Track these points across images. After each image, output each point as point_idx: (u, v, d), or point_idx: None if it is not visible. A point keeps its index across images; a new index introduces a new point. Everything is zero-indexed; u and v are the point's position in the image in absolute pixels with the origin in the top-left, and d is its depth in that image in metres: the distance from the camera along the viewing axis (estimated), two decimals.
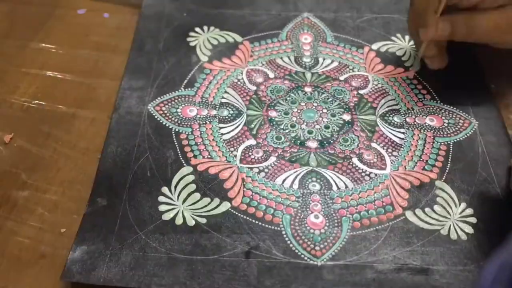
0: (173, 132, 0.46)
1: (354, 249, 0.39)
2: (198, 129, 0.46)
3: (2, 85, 0.51)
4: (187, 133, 0.46)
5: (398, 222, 0.40)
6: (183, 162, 0.44)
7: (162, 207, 0.41)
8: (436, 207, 0.41)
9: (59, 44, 0.55)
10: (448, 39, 0.46)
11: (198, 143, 0.45)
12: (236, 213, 0.40)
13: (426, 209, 0.41)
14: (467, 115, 0.48)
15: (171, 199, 0.41)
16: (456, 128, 0.47)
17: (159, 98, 0.49)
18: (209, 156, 0.44)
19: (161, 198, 0.41)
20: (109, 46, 0.55)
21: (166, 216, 0.40)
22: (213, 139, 0.46)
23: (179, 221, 0.40)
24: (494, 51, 0.49)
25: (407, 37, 0.55)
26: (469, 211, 0.41)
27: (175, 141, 0.45)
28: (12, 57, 0.54)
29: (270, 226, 0.40)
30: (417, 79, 0.51)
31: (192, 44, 0.54)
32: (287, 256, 0.38)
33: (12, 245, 0.39)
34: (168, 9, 0.57)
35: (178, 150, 0.44)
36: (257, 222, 0.40)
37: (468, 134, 0.46)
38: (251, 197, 0.42)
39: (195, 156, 0.44)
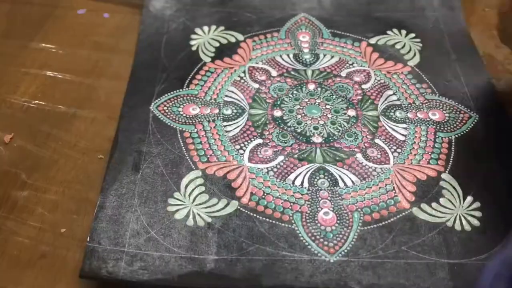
0: (178, 131, 0.46)
1: (365, 244, 0.39)
2: (202, 129, 0.46)
3: (2, 85, 0.51)
4: (190, 131, 0.46)
5: (405, 216, 0.41)
6: (192, 165, 0.44)
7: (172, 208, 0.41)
8: (442, 200, 0.42)
9: (59, 44, 0.55)
10: None
11: (203, 142, 0.45)
12: (247, 212, 0.41)
13: (433, 204, 0.42)
14: (467, 108, 0.48)
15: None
16: (457, 123, 0.47)
17: (161, 97, 0.49)
18: (214, 156, 0.44)
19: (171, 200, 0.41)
20: (109, 46, 0.55)
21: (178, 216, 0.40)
22: (218, 138, 0.46)
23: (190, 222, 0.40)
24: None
25: (403, 31, 0.56)
26: (476, 205, 0.41)
27: (181, 141, 0.45)
28: (12, 57, 0.54)
29: (282, 224, 0.40)
30: (417, 74, 0.52)
31: (194, 46, 0.54)
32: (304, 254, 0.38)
33: (12, 245, 0.39)
34: (169, 12, 0.58)
35: (185, 151, 0.45)
36: (268, 219, 0.40)
37: (469, 128, 0.47)
38: (262, 196, 0.42)
39: (200, 157, 0.44)
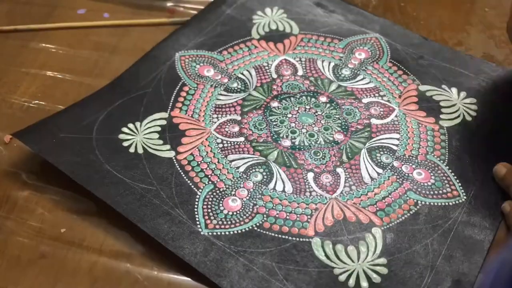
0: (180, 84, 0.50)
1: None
2: (201, 89, 0.49)
3: (2, 85, 0.51)
4: (189, 87, 0.49)
5: (298, 242, 0.39)
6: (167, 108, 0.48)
7: None
8: (349, 248, 0.39)
9: (59, 44, 0.55)
10: None
11: (193, 99, 0.48)
12: (179, 165, 0.44)
13: (338, 245, 0.39)
14: (460, 185, 0.42)
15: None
16: (438, 193, 0.42)
17: (190, 50, 0.52)
18: (191, 111, 0.47)
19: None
20: (109, 46, 0.55)
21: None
22: (207, 102, 0.48)
23: None
24: None
25: (454, 89, 0.50)
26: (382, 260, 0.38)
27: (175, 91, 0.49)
28: (12, 57, 0.54)
29: (188, 181, 0.43)
30: (443, 135, 0.46)
31: (254, 21, 0.56)
32: None
33: (12, 245, 0.39)
34: None
35: (172, 101, 0.48)
36: (185, 177, 0.43)
37: (451, 203, 0.41)
38: (196, 155, 0.44)
39: (182, 107, 0.48)
